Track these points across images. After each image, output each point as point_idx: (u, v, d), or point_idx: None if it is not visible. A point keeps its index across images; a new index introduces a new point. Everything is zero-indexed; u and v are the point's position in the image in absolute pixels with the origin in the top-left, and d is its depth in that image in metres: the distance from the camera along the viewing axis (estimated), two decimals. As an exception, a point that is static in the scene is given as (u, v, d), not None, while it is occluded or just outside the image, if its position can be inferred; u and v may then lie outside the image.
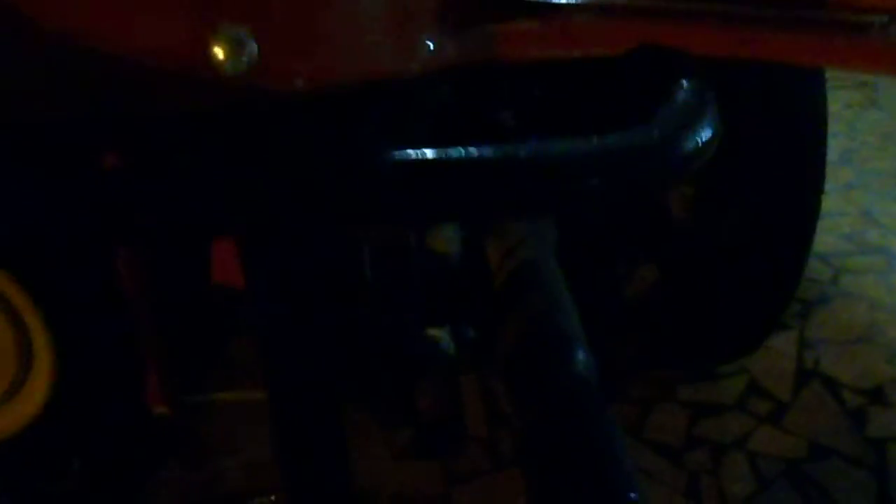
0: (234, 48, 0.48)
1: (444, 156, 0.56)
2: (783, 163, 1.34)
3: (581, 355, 0.84)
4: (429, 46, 0.59)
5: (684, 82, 0.62)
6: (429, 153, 0.55)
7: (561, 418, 0.75)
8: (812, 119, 1.33)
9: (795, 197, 1.42)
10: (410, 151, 0.56)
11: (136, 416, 0.97)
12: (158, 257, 0.90)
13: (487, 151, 0.54)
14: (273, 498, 0.83)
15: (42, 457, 0.92)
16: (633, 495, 0.68)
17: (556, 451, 0.73)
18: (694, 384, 1.69)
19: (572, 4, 0.67)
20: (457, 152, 0.56)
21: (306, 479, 0.70)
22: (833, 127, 1.42)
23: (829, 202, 1.45)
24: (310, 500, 0.70)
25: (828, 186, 1.42)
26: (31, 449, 0.88)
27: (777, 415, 1.62)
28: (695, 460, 1.53)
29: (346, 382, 0.87)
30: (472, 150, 0.54)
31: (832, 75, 1.61)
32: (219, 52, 0.49)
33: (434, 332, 1.01)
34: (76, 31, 0.48)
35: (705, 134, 0.59)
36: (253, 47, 0.49)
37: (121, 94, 0.50)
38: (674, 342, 1.56)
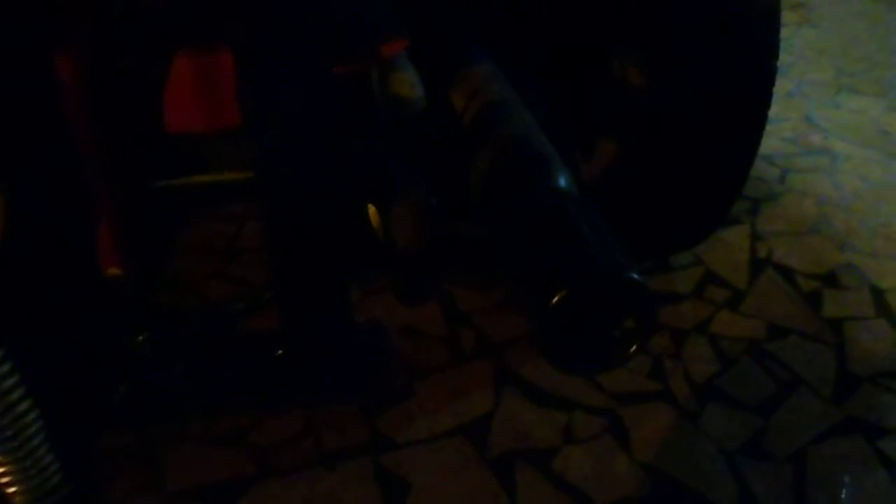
0: None
1: None
2: (742, 36, 1.33)
3: (559, 171, 0.81)
4: None
5: None
6: None
7: (549, 220, 0.72)
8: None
9: (749, 74, 1.41)
10: None
11: (87, 276, 0.91)
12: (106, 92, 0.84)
13: None
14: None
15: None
16: (633, 275, 0.65)
17: (543, 247, 0.70)
18: (652, 275, 1.69)
19: None
20: None
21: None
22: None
23: (771, 109, 1.46)
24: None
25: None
26: None
27: (734, 301, 1.63)
28: (657, 344, 1.52)
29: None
30: None
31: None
32: None
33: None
34: None
35: None
36: None
37: None
38: (629, 224, 1.54)
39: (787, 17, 2.87)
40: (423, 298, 0.92)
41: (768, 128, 1.46)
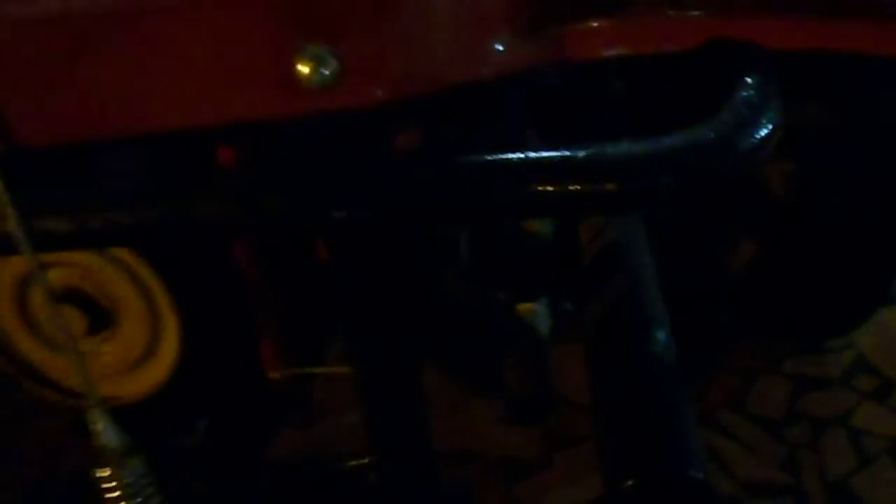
0: (316, 65, 0.55)
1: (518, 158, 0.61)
2: (889, 144, 1.31)
3: (661, 336, 0.87)
4: (500, 51, 0.64)
5: (747, 78, 0.65)
6: (498, 155, 0.60)
7: (635, 395, 0.79)
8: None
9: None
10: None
11: (253, 381, 1.06)
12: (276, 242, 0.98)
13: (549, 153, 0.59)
14: (367, 460, 0.90)
15: (171, 417, 1.03)
16: (697, 474, 0.71)
17: (625, 424, 0.77)
18: (800, 357, 1.67)
19: (643, 1, 0.70)
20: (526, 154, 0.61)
21: (390, 445, 0.77)
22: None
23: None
24: (393, 462, 0.78)
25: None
26: (161, 410, 0.99)
27: (883, 391, 1.60)
28: (795, 434, 1.53)
29: (439, 356, 0.94)
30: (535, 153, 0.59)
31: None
32: (303, 69, 0.55)
33: (526, 307, 1.07)
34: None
35: (764, 131, 0.62)
36: (334, 63, 0.55)
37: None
38: (779, 315, 1.56)
39: None
40: (536, 420, 1.01)
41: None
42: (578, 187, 0.58)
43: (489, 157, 0.59)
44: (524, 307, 1.05)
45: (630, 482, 0.71)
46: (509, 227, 1.03)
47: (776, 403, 1.59)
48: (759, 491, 1.45)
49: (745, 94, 0.64)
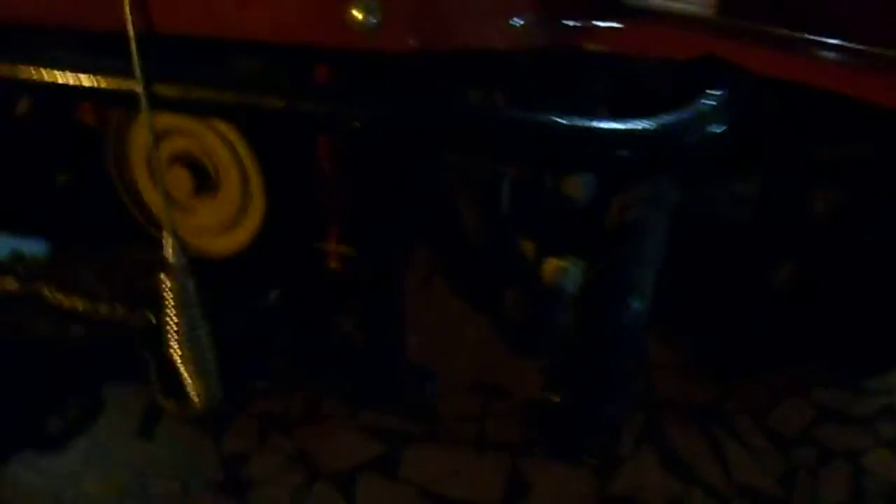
0: (366, 13, 0.73)
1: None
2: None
3: (635, 304, 1.01)
4: (518, 27, 0.80)
5: (712, 91, 0.79)
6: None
7: (591, 343, 0.95)
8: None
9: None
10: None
11: (317, 266, 1.24)
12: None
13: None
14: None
15: (247, 278, 1.22)
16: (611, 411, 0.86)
17: (573, 360, 0.93)
18: (833, 390, 1.74)
19: (657, 13, 0.84)
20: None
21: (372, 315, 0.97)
22: None
23: None
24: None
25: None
26: (242, 272, 1.19)
27: (902, 442, 1.65)
28: (802, 456, 1.62)
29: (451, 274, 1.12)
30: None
31: None
32: (357, 14, 0.74)
33: (556, 263, 1.22)
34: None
35: (699, 134, 0.77)
36: (379, 14, 0.74)
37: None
38: (814, 343, 1.62)
39: None
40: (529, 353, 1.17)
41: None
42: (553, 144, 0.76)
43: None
44: (555, 263, 1.21)
45: (553, 399, 0.87)
46: (548, 188, 1.19)
47: (794, 425, 1.67)
48: (749, 495, 1.55)
49: (701, 102, 0.78)
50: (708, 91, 0.79)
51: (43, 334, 1.14)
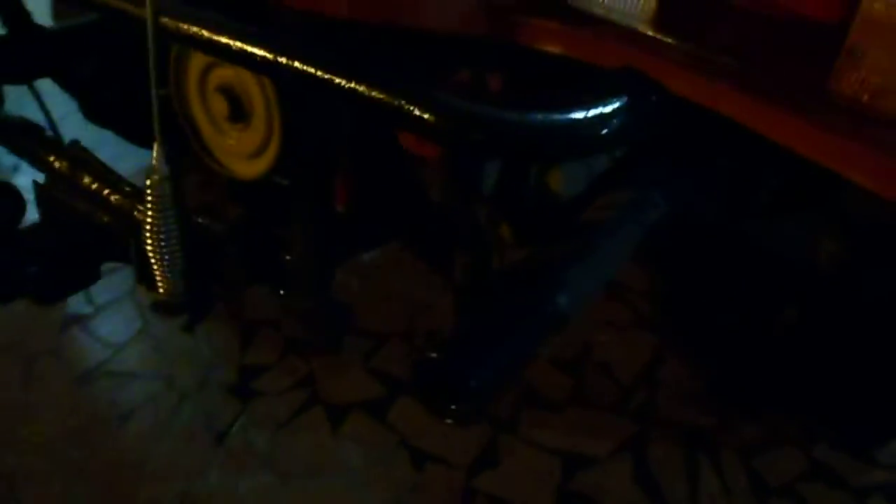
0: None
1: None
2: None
3: (562, 301, 1.07)
4: (456, 11, 0.88)
5: (613, 98, 0.85)
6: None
7: (500, 317, 1.02)
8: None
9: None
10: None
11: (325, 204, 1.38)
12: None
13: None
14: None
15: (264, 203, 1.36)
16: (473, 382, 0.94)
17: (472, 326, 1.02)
18: (839, 453, 1.69)
19: (597, 19, 0.90)
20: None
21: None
22: None
23: None
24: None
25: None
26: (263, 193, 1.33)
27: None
28: (777, 504, 1.60)
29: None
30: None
31: None
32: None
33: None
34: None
35: (585, 134, 0.82)
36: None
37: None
38: (810, 395, 1.59)
39: None
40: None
41: None
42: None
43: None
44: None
45: (431, 355, 0.95)
46: (532, 180, 1.27)
47: (780, 472, 1.65)
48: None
49: (597, 106, 0.84)
50: (607, 98, 0.84)
51: (79, 212, 1.34)
